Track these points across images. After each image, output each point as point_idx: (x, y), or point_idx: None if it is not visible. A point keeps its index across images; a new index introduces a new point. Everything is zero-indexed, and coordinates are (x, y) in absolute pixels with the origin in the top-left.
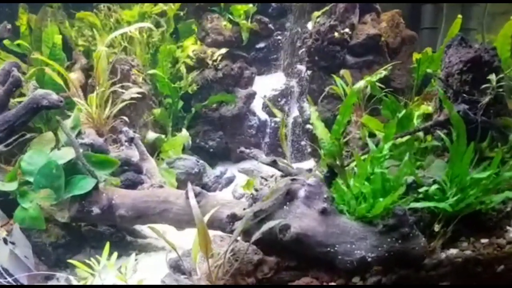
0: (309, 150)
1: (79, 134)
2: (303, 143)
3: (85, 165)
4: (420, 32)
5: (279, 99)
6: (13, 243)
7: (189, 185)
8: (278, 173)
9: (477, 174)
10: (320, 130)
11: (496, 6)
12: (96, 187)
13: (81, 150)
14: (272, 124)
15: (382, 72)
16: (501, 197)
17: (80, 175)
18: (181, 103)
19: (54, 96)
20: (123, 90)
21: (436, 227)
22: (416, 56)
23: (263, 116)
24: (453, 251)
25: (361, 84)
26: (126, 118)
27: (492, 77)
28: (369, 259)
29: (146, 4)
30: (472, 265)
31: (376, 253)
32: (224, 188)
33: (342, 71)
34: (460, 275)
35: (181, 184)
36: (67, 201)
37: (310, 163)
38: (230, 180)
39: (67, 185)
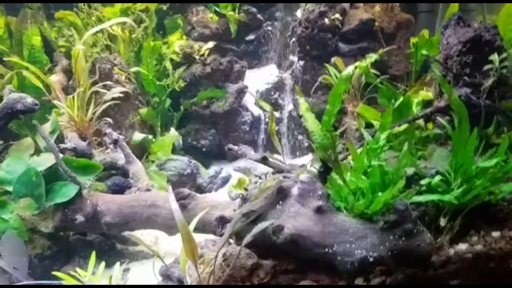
0: (306, 144)
1: (61, 138)
2: (300, 137)
3: (66, 171)
4: (417, 16)
5: (272, 93)
6: None
7: (170, 188)
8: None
9: (483, 162)
10: (311, 122)
11: None
12: (79, 194)
13: (61, 155)
14: (267, 119)
15: (372, 56)
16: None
17: (62, 182)
18: (168, 101)
19: (28, 100)
20: (105, 91)
21: (442, 222)
22: (413, 40)
23: (257, 111)
24: (462, 247)
25: (349, 70)
26: (110, 120)
27: (495, 57)
28: (371, 259)
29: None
30: (483, 261)
31: (378, 252)
32: (220, 189)
33: (333, 59)
34: (471, 272)
35: (173, 187)
36: (50, 210)
37: (308, 158)
38: (225, 180)
39: (48, 193)
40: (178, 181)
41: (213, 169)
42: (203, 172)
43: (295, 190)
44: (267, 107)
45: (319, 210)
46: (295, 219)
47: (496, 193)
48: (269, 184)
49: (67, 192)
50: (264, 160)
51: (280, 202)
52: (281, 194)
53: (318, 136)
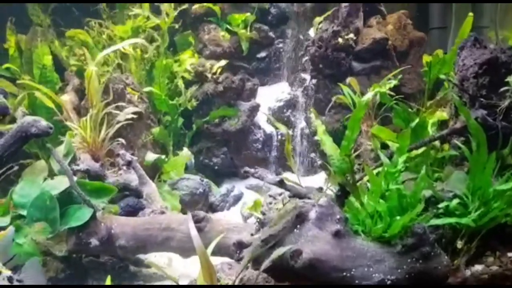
0: (318, 162)
1: (73, 160)
2: (312, 155)
3: (80, 194)
4: (428, 33)
5: (284, 110)
6: (20, 281)
7: (189, 215)
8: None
9: (500, 185)
10: (328, 146)
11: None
12: (93, 217)
13: (75, 178)
14: (279, 137)
15: (392, 81)
16: None
17: (76, 205)
18: (181, 120)
19: (43, 123)
20: (118, 112)
21: (459, 244)
22: (426, 59)
23: (269, 128)
24: (478, 268)
25: (369, 96)
26: (123, 140)
27: (511, 79)
28: (388, 282)
29: (139, 19)
30: (499, 281)
31: (396, 276)
32: (232, 207)
33: (348, 79)
34: None
35: (186, 207)
36: (63, 233)
37: (320, 176)
38: (237, 198)
39: (62, 217)
40: (191, 201)
41: (225, 187)
42: (215, 191)
43: (312, 214)
44: (283, 128)
45: (337, 234)
46: (313, 243)
47: None
48: (287, 209)
49: (81, 215)
50: (281, 184)
51: (298, 226)
52: (299, 218)
53: (337, 160)
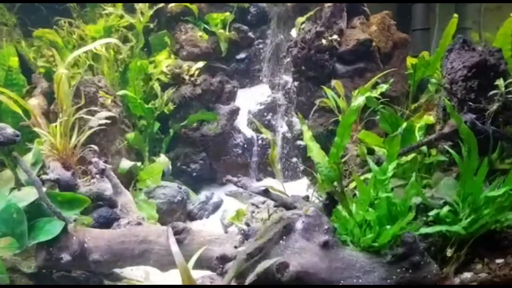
0: (301, 168)
1: (42, 169)
2: (294, 159)
3: (50, 206)
4: (411, 34)
5: (265, 114)
6: None
7: (169, 230)
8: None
9: (491, 191)
10: (316, 153)
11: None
12: (64, 230)
13: (44, 189)
14: (260, 141)
15: (383, 86)
16: None
17: (46, 218)
18: (157, 125)
19: (8, 131)
20: (90, 117)
21: (449, 252)
22: (411, 60)
23: (249, 133)
24: (467, 275)
25: (360, 101)
26: (95, 147)
27: (500, 82)
28: None
29: (112, 17)
30: None
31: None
32: (212, 215)
33: (333, 82)
34: None
35: (163, 215)
36: (32, 248)
37: (303, 182)
38: (217, 205)
39: (31, 231)
40: (168, 209)
41: (203, 194)
42: (193, 198)
43: (299, 224)
44: (269, 135)
45: (325, 245)
46: (301, 255)
47: (502, 221)
48: (273, 220)
49: (51, 229)
50: (266, 193)
51: (284, 237)
52: (285, 228)
53: (324, 168)
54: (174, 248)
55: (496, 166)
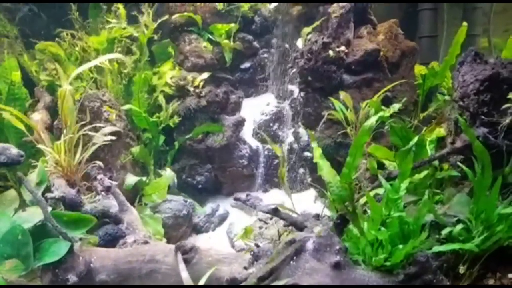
0: (308, 179)
1: (46, 186)
2: (301, 171)
3: (56, 227)
4: (418, 41)
5: (271, 124)
6: None
7: (179, 255)
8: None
9: (505, 209)
10: (326, 172)
11: (493, 4)
12: (70, 251)
13: (49, 209)
14: (265, 152)
15: (395, 106)
16: None
17: (51, 239)
18: (162, 138)
19: (13, 151)
20: (95, 133)
21: (461, 269)
22: (419, 69)
23: (254, 143)
24: None
25: (372, 121)
26: (100, 163)
27: None
28: None
29: (115, 29)
30: None
31: None
32: (218, 227)
33: (342, 95)
34: None
35: (169, 230)
36: (38, 269)
37: (309, 193)
38: (223, 218)
39: (36, 252)
40: (174, 223)
41: (209, 206)
42: (199, 211)
43: (310, 245)
44: (279, 151)
45: (337, 266)
46: (311, 276)
47: None
48: (285, 242)
49: (57, 250)
50: (275, 212)
51: (295, 257)
52: (296, 249)
53: (336, 188)
54: (184, 275)
55: (509, 180)
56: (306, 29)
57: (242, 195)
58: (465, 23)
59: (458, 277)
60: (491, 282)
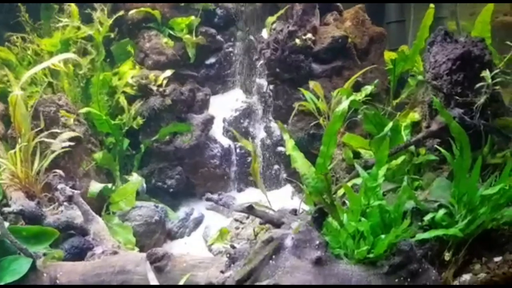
0: (284, 175)
1: (4, 200)
2: (276, 167)
3: (15, 243)
4: (385, 27)
5: (241, 120)
6: None
7: (147, 265)
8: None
9: (486, 190)
10: (301, 163)
11: None
12: (33, 268)
13: (6, 225)
14: (238, 150)
15: (367, 88)
16: None
17: (11, 256)
18: (126, 141)
19: None
20: (52, 140)
21: (447, 256)
22: (389, 55)
23: (226, 142)
24: (466, 277)
25: (344, 106)
26: (60, 171)
27: (486, 73)
28: None
29: (68, 29)
30: None
31: None
32: (193, 232)
33: (312, 84)
34: None
35: (141, 238)
36: None
37: (287, 189)
38: (198, 222)
39: None
40: (146, 231)
41: (183, 210)
42: (172, 216)
43: (289, 242)
44: (250, 146)
45: (318, 262)
46: (292, 274)
47: (498, 218)
48: (262, 240)
49: (18, 268)
50: (250, 210)
51: (273, 256)
52: (274, 247)
53: (312, 180)
54: (153, 283)
55: (488, 161)
56: (271, 19)
57: (214, 196)
58: (432, 5)
59: (443, 264)
60: (477, 267)
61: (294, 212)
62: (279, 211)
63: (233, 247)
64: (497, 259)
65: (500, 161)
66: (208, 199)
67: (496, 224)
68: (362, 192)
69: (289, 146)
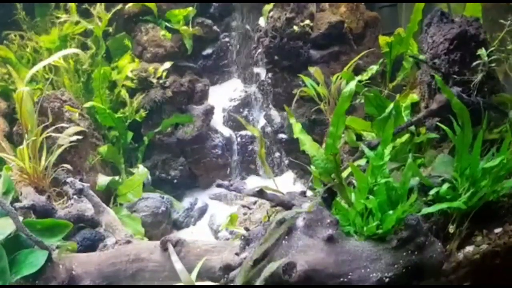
0: (286, 162)
1: (14, 196)
2: (277, 154)
3: (30, 236)
4: (378, 11)
5: (240, 110)
6: None
7: (170, 247)
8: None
9: (487, 163)
10: (309, 146)
11: None
12: (49, 260)
13: (21, 218)
14: (239, 139)
15: (373, 68)
16: None
17: (27, 250)
18: (130, 134)
19: None
20: (58, 135)
21: (451, 228)
22: (384, 39)
23: (227, 131)
24: (469, 249)
25: (351, 86)
26: (68, 166)
27: (482, 51)
28: (387, 280)
29: (66, 25)
30: (489, 259)
31: (393, 272)
32: (198, 221)
33: (312, 69)
34: (479, 273)
35: (148, 229)
36: (16, 283)
37: (288, 176)
38: (203, 211)
39: (12, 266)
40: (153, 221)
41: (187, 200)
42: (177, 207)
43: (300, 222)
44: (256, 131)
45: (330, 240)
46: (306, 253)
47: (498, 191)
48: (276, 221)
49: (34, 260)
50: (261, 194)
51: (286, 237)
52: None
53: (321, 161)
54: (178, 266)
55: (485, 136)
56: (267, 6)
57: (225, 182)
58: None
59: (448, 237)
60: (479, 238)
61: (303, 193)
62: (289, 194)
63: (247, 229)
64: (498, 230)
65: (497, 137)
66: (219, 185)
67: (496, 196)
68: (369, 171)
69: (297, 130)
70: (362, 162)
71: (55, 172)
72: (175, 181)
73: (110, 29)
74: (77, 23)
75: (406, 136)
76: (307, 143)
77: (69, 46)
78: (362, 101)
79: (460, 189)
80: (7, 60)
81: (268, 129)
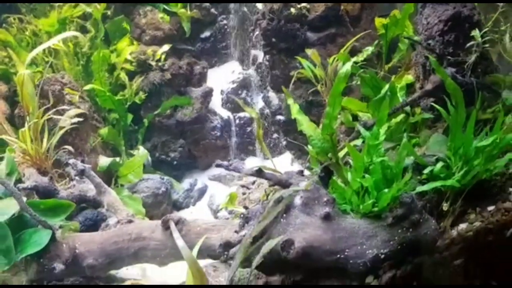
0: (283, 143)
1: (18, 179)
2: (275, 135)
3: (34, 215)
4: None
5: (239, 92)
6: None
7: (172, 225)
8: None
9: (480, 142)
10: (306, 126)
11: None
12: (53, 239)
13: (24, 199)
14: (237, 121)
15: (368, 49)
16: (505, 160)
17: (31, 229)
18: (130, 117)
19: None
20: (59, 117)
21: (445, 206)
22: (380, 21)
23: (225, 113)
24: (462, 226)
25: (347, 67)
26: (69, 147)
27: (476, 32)
28: (382, 256)
29: (65, 8)
30: (482, 236)
31: (389, 248)
32: (198, 202)
33: (309, 51)
34: (472, 249)
35: (149, 209)
36: (21, 262)
37: (286, 157)
38: (202, 192)
39: (17, 245)
40: (154, 202)
41: (187, 181)
42: (177, 187)
43: (298, 200)
44: (254, 113)
45: (327, 217)
46: (303, 230)
47: (491, 169)
48: (274, 199)
49: (39, 239)
50: (259, 173)
51: (284, 215)
52: (285, 205)
53: (318, 141)
54: (180, 243)
55: (479, 116)
56: None
57: (224, 162)
58: None
59: (442, 215)
60: (472, 216)
61: (301, 173)
62: (286, 173)
63: (246, 208)
64: (491, 208)
65: (490, 117)
66: (218, 165)
67: (489, 175)
68: (365, 151)
69: (294, 110)
70: (358, 142)
71: (57, 154)
72: (175, 162)
73: (109, 12)
74: (75, 6)
75: (401, 116)
76: (305, 124)
77: (68, 29)
78: (359, 82)
79: (454, 168)
80: (7, 43)
81: (266, 110)
